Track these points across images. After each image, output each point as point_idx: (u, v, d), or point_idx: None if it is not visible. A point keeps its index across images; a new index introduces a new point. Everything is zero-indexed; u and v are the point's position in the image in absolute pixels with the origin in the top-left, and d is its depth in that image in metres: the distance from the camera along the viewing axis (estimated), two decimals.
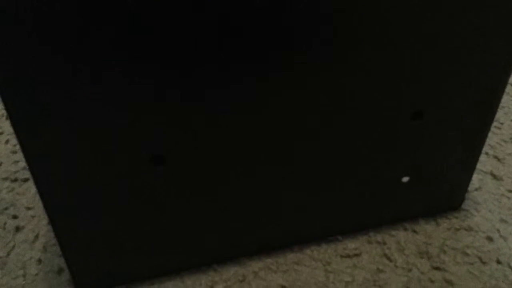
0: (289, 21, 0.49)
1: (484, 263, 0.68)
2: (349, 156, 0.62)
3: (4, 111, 0.90)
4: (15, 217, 0.74)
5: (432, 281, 0.66)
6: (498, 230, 0.72)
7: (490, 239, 0.71)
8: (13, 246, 0.70)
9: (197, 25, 0.46)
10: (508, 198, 0.77)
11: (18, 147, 0.85)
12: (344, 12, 0.50)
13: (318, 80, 0.54)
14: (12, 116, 0.48)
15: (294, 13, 0.48)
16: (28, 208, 0.75)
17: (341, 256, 0.69)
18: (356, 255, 0.69)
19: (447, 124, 0.63)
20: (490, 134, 0.86)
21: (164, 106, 0.51)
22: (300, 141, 0.58)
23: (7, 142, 0.86)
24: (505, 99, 0.95)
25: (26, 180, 0.80)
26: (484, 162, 0.82)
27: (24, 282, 0.66)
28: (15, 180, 0.79)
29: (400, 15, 0.52)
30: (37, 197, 0.77)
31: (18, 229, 0.73)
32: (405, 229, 0.72)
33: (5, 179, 0.79)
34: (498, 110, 0.91)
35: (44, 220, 0.74)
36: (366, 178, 0.65)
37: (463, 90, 0.60)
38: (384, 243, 0.70)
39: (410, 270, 0.67)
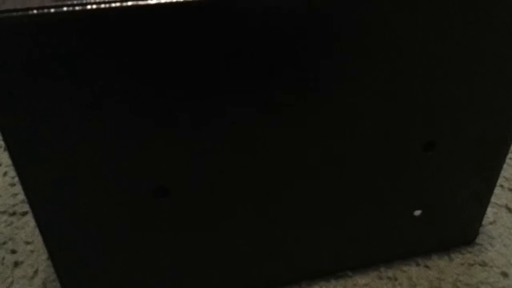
0: (292, 51, 0.48)
1: None
2: (359, 189, 0.60)
3: (2, 142, 0.89)
4: (13, 252, 0.73)
5: None
6: None
7: (505, 274, 0.69)
8: (12, 282, 0.69)
9: (199, 57, 0.46)
10: None
11: (16, 179, 0.83)
12: (353, 42, 0.49)
13: (327, 110, 0.53)
14: (11, 148, 0.47)
15: (296, 42, 0.47)
16: (27, 243, 0.74)
17: None
18: None
19: (461, 155, 0.61)
20: (505, 166, 0.85)
21: (167, 136, 0.50)
22: (307, 174, 0.57)
23: (5, 174, 0.84)
24: None
25: (25, 213, 0.78)
26: (498, 195, 0.80)
27: None
28: (14, 213, 0.78)
29: (411, 43, 0.50)
30: (36, 231, 0.75)
31: (16, 264, 0.71)
32: (417, 264, 0.71)
33: (3, 212, 0.78)
34: None
35: (44, 255, 0.72)
36: (376, 212, 0.63)
37: (476, 120, 0.58)
38: (396, 279, 0.69)
39: None
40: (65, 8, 0.40)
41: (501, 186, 0.82)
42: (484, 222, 0.76)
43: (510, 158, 0.87)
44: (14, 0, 0.41)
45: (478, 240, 0.74)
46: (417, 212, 0.65)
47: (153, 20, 0.43)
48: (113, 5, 0.41)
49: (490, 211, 0.78)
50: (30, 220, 0.77)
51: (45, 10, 0.40)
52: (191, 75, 0.46)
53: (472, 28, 0.51)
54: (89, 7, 0.41)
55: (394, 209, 0.64)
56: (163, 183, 0.53)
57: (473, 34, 0.51)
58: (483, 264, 0.71)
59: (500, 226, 0.76)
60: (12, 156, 0.47)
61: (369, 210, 0.63)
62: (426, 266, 0.70)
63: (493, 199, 0.80)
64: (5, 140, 0.46)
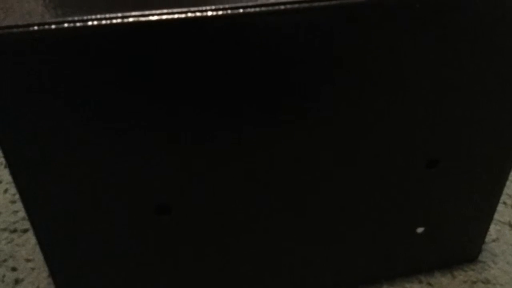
0: (294, 71, 0.48)
1: None
2: (362, 206, 0.60)
3: (2, 159, 0.88)
4: (14, 269, 0.72)
5: None
6: None
7: None
8: None
9: (200, 74, 0.46)
10: None
11: (17, 196, 0.83)
12: (356, 63, 0.49)
13: (329, 128, 0.52)
14: (11, 165, 0.47)
15: (299, 63, 0.47)
16: (28, 260, 0.73)
17: None
18: None
19: (463, 172, 0.61)
20: (508, 183, 0.85)
21: (169, 154, 0.50)
22: (310, 190, 0.57)
23: (6, 191, 0.84)
24: None
25: (25, 230, 0.78)
26: (501, 212, 0.80)
27: None
28: (14, 230, 0.78)
29: (414, 64, 0.50)
30: (37, 249, 0.75)
31: (17, 281, 0.71)
32: (420, 282, 0.70)
33: (4, 229, 0.78)
34: None
35: (45, 272, 0.72)
36: (379, 229, 0.63)
37: (480, 137, 0.58)
38: None
39: None
40: (66, 25, 0.40)
41: (504, 203, 0.81)
42: (487, 240, 0.75)
43: None
44: (15, 17, 0.41)
45: (481, 258, 0.73)
46: (420, 230, 0.65)
47: (153, 37, 0.42)
48: (114, 21, 0.41)
49: (493, 228, 0.78)
50: (31, 237, 0.77)
51: (46, 27, 0.40)
52: (193, 92, 0.46)
53: (474, 48, 0.51)
54: (90, 23, 0.41)
55: (396, 226, 0.64)
56: (165, 201, 0.52)
57: (476, 53, 0.51)
58: (486, 282, 0.70)
59: (503, 243, 0.75)
60: (13, 173, 0.47)
61: (372, 227, 0.63)
62: (429, 284, 0.70)
63: (496, 216, 0.80)
64: (6, 157, 0.46)
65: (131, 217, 0.52)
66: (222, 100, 0.47)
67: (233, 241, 0.58)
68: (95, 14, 0.41)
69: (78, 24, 0.41)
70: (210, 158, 0.51)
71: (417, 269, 0.71)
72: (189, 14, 0.42)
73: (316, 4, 0.44)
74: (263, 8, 0.43)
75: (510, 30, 0.51)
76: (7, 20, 0.40)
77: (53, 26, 0.40)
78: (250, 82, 0.47)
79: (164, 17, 0.42)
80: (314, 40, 0.46)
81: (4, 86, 0.42)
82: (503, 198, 0.82)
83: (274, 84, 0.48)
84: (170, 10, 0.42)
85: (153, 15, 0.42)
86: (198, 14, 0.42)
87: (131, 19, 0.41)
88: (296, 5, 0.44)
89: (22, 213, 0.80)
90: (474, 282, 0.70)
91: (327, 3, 0.45)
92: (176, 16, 0.42)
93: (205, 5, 0.43)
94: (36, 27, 0.40)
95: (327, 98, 0.50)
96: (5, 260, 0.73)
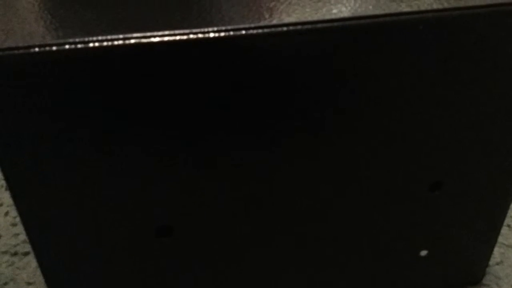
0: (295, 93, 0.48)
1: None
2: (364, 230, 0.60)
3: (3, 182, 0.88)
4: None
5: None
6: None
7: None
8: None
9: (202, 96, 0.46)
10: None
11: (18, 219, 0.82)
12: (358, 83, 0.49)
13: (331, 152, 0.52)
14: (12, 187, 0.47)
15: (306, 80, 0.47)
16: (29, 283, 0.73)
17: None
18: None
19: (467, 195, 0.61)
20: None
21: (170, 176, 0.49)
22: (312, 214, 0.56)
23: (6, 214, 0.84)
24: None
25: (26, 254, 0.77)
26: (505, 235, 0.80)
27: None
28: (15, 253, 0.77)
29: (416, 84, 0.50)
30: (38, 272, 0.74)
31: None
32: None
33: (5, 252, 0.78)
34: None
35: None
36: (382, 252, 0.63)
37: (483, 159, 0.58)
38: None
39: None
40: (67, 46, 0.40)
41: (508, 226, 0.81)
42: (491, 263, 0.75)
43: None
44: (16, 38, 0.41)
45: (485, 281, 0.73)
46: (423, 253, 0.65)
47: (156, 58, 0.42)
48: (115, 43, 0.41)
49: (497, 251, 0.77)
50: (31, 260, 0.76)
51: (47, 48, 0.40)
52: (194, 114, 0.46)
53: (478, 70, 0.51)
54: (91, 45, 0.40)
55: (400, 249, 0.63)
56: (166, 223, 0.52)
57: (480, 75, 0.51)
58: None
59: (507, 266, 0.75)
60: (14, 196, 0.47)
61: (375, 251, 0.62)
62: None
63: (500, 239, 0.79)
64: (6, 179, 0.46)
65: (132, 239, 0.52)
66: (223, 122, 0.47)
67: (234, 264, 0.58)
68: (96, 35, 0.41)
69: (79, 46, 0.40)
70: (211, 180, 0.51)
71: None
72: (191, 36, 0.42)
73: (319, 25, 0.44)
74: (265, 30, 0.43)
75: None
76: (8, 41, 0.40)
77: (54, 48, 0.40)
78: (251, 104, 0.47)
79: (166, 38, 0.42)
80: (316, 62, 0.46)
81: (4, 108, 0.42)
82: (507, 220, 0.82)
83: (275, 107, 0.48)
84: (172, 32, 0.42)
85: (154, 36, 0.42)
86: (200, 35, 0.42)
87: (132, 41, 0.41)
88: (299, 27, 0.44)
89: (23, 236, 0.80)
90: None
91: (329, 24, 0.45)
92: (178, 37, 0.42)
93: (207, 26, 0.43)
94: (37, 49, 0.40)
95: (328, 122, 0.50)
96: (6, 283, 0.73)
